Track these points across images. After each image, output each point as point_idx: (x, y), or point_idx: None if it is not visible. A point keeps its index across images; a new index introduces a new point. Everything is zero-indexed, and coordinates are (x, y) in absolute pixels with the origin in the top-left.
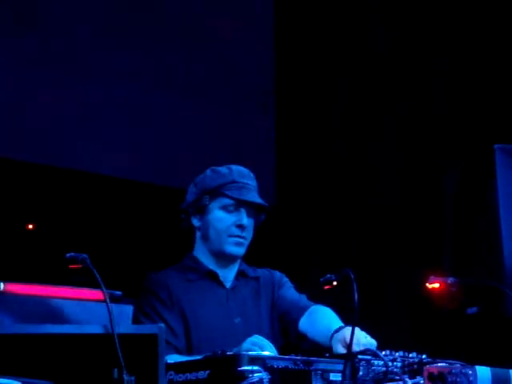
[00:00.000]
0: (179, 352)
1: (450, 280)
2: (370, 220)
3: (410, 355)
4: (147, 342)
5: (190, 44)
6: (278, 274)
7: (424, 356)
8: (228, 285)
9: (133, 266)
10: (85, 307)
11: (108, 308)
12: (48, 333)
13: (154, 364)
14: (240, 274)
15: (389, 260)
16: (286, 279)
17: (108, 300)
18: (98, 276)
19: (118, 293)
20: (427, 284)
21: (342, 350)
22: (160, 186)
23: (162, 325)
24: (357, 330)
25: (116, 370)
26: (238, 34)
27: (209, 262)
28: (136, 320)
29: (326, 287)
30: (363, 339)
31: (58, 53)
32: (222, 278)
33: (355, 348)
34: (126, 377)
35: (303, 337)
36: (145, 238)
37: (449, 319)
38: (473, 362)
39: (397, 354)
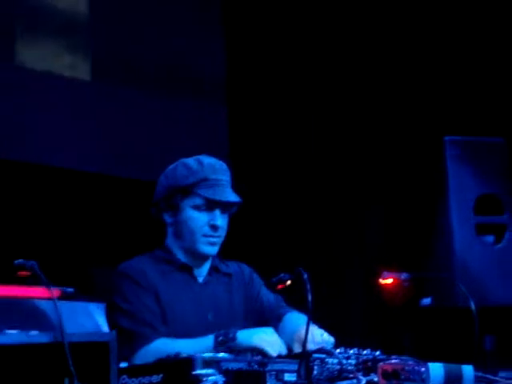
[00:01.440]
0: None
1: (402, 275)
2: (325, 216)
3: (364, 352)
4: (99, 349)
5: (142, 38)
6: (247, 268)
7: (378, 353)
8: (201, 279)
9: (87, 262)
10: (37, 305)
11: (59, 316)
12: None
13: (106, 372)
14: (213, 270)
15: (344, 257)
16: (255, 275)
17: (57, 305)
18: (47, 282)
19: (70, 289)
20: (380, 280)
21: (298, 348)
22: (112, 176)
23: (114, 332)
24: (313, 328)
25: (67, 379)
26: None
27: (182, 256)
28: (116, 307)
29: (279, 287)
30: (319, 337)
31: (17, 45)
32: (195, 273)
33: (311, 346)
34: None
35: None
36: (100, 231)
37: (403, 313)
38: (427, 356)
39: (351, 351)
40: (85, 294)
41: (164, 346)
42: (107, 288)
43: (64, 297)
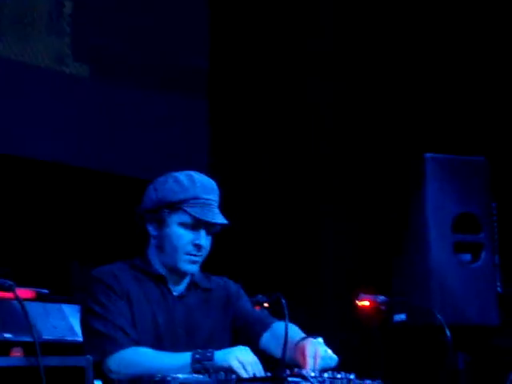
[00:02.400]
0: (138, 345)
1: (379, 298)
2: (299, 233)
3: (339, 376)
4: (74, 374)
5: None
6: (233, 285)
7: (352, 376)
8: (176, 293)
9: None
10: (10, 306)
11: (35, 343)
12: None
13: None
14: (192, 285)
15: (319, 276)
16: (242, 292)
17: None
18: (24, 307)
19: (45, 291)
20: (356, 301)
21: (300, 360)
22: (94, 170)
23: (90, 357)
24: (318, 343)
25: None
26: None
27: (161, 269)
28: (89, 310)
29: (256, 307)
30: (323, 352)
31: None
32: (171, 286)
33: (313, 361)
34: None
35: (262, 353)
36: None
37: (377, 330)
38: (401, 377)
39: (325, 374)
40: (62, 293)
41: (139, 356)
42: (84, 289)
43: (38, 298)
